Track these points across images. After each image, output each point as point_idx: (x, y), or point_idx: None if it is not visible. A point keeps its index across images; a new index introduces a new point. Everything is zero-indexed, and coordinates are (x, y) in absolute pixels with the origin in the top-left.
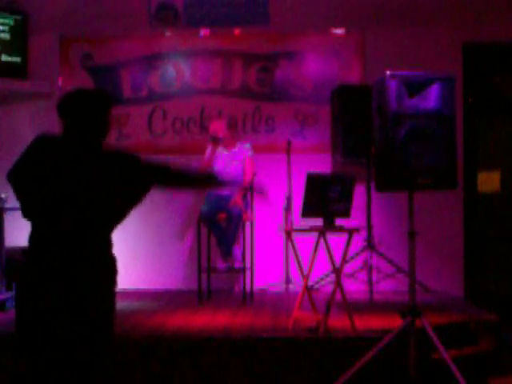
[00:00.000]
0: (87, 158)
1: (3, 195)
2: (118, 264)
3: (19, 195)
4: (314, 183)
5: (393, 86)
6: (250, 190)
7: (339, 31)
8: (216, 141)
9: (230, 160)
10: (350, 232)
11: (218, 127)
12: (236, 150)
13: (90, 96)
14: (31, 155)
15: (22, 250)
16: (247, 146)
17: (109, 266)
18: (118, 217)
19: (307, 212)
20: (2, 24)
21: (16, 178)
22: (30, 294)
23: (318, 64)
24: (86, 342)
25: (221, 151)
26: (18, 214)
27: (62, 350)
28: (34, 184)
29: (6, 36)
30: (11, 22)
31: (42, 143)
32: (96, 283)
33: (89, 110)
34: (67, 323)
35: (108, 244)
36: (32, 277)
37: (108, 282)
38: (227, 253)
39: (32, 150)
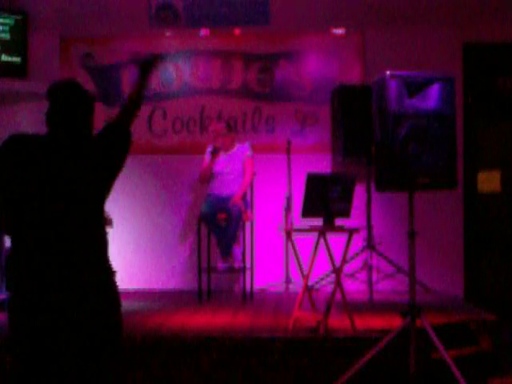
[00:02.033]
0: (67, 152)
1: None
2: (119, 264)
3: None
4: (314, 183)
5: (393, 86)
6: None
7: (339, 31)
8: (215, 152)
9: (229, 161)
10: (350, 232)
11: (217, 129)
12: (235, 150)
13: (84, 91)
14: (4, 158)
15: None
16: (246, 144)
17: (104, 264)
18: (102, 197)
19: (307, 212)
20: (2, 24)
21: None
22: (24, 302)
23: (318, 64)
24: (88, 346)
25: (220, 153)
26: None
27: (62, 355)
28: (9, 188)
29: (6, 36)
30: (11, 22)
31: (12, 143)
32: (94, 284)
33: (82, 103)
34: (66, 327)
35: (99, 234)
36: (25, 289)
37: (107, 281)
38: (227, 253)
39: (5, 152)
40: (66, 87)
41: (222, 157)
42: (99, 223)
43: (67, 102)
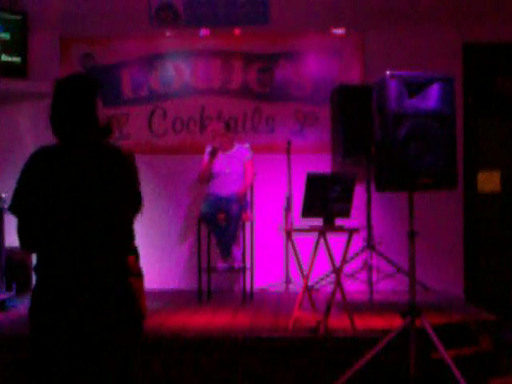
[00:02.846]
0: (85, 162)
1: (3, 195)
2: None
3: (26, 224)
4: (314, 183)
5: (393, 86)
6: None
7: (339, 31)
8: (213, 153)
9: (228, 161)
10: (350, 232)
11: (215, 129)
12: (234, 150)
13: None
14: (30, 178)
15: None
16: (246, 146)
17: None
18: (128, 219)
19: (307, 212)
20: (2, 24)
21: (21, 207)
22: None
23: (318, 64)
24: (108, 348)
25: (219, 153)
26: None
27: (83, 357)
28: (39, 207)
29: (6, 36)
30: (11, 22)
31: (36, 161)
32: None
33: (71, 96)
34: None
35: (125, 251)
36: (50, 311)
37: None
38: (227, 253)
39: (29, 172)
40: (76, 81)
41: (221, 157)
42: (121, 233)
43: (79, 98)
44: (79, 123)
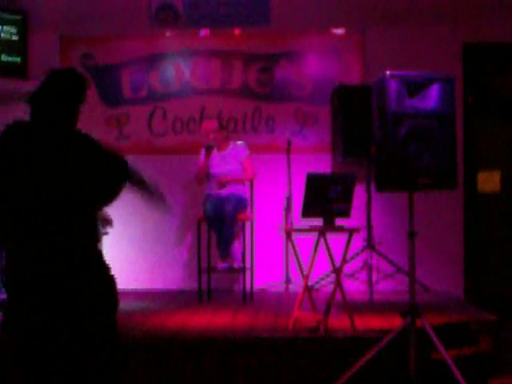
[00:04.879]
0: (53, 144)
1: None
2: (119, 264)
3: None
4: (314, 183)
5: (393, 86)
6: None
7: (339, 31)
8: (209, 148)
9: (225, 161)
10: (350, 232)
11: (208, 127)
12: (230, 149)
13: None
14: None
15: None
16: (241, 144)
17: (95, 264)
18: (94, 202)
19: (307, 212)
20: (2, 24)
21: None
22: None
23: (318, 64)
24: (82, 347)
25: (214, 152)
26: None
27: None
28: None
29: (6, 36)
30: (11, 22)
31: (7, 138)
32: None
33: (54, 89)
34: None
35: (90, 234)
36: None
37: (98, 278)
38: (226, 254)
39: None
40: (68, 74)
41: (217, 158)
42: (85, 224)
43: (65, 88)
44: (61, 112)
